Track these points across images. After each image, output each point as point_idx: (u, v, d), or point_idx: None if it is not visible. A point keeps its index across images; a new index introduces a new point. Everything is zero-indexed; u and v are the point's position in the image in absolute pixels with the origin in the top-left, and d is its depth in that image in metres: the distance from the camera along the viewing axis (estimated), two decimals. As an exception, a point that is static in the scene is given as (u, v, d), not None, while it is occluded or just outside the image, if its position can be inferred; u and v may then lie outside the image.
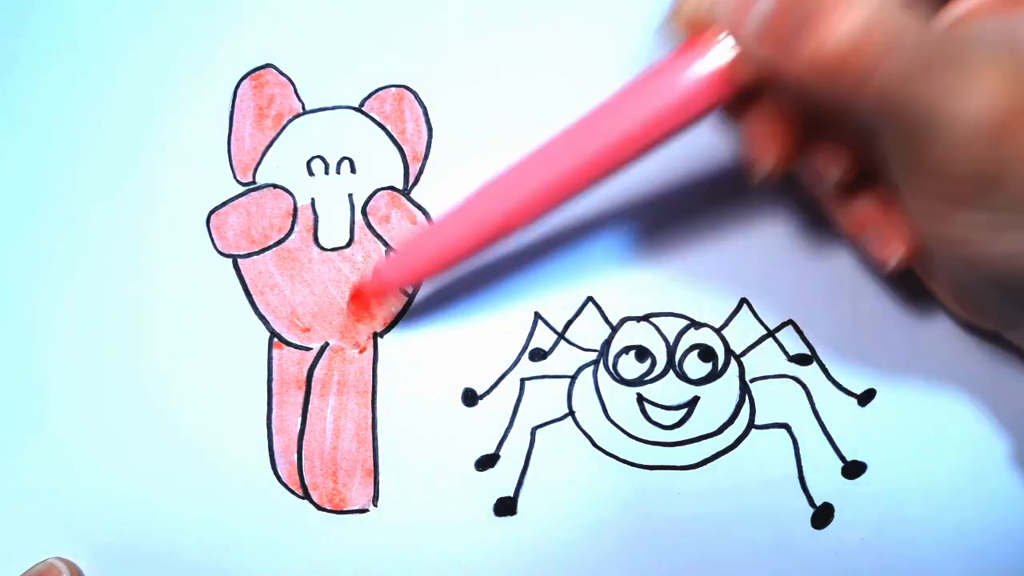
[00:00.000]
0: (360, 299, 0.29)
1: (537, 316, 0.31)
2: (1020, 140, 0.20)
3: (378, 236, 0.32)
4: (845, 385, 0.31)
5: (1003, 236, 0.22)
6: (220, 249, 0.32)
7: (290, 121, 0.33)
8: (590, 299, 0.31)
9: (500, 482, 0.30)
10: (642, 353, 0.31)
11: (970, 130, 0.20)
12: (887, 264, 0.27)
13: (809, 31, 0.20)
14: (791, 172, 0.26)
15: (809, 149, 0.26)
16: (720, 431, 0.30)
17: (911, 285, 0.28)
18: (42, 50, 0.33)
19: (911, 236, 0.26)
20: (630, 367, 0.31)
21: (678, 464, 0.30)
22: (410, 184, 0.32)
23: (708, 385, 0.31)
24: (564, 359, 0.31)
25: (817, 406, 0.30)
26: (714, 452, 0.30)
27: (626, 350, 0.31)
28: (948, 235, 0.23)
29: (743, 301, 0.31)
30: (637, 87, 0.24)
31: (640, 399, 0.30)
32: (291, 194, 0.32)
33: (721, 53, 0.23)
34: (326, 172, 0.32)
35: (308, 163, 0.32)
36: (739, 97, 0.24)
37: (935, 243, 0.24)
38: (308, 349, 0.31)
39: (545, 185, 0.25)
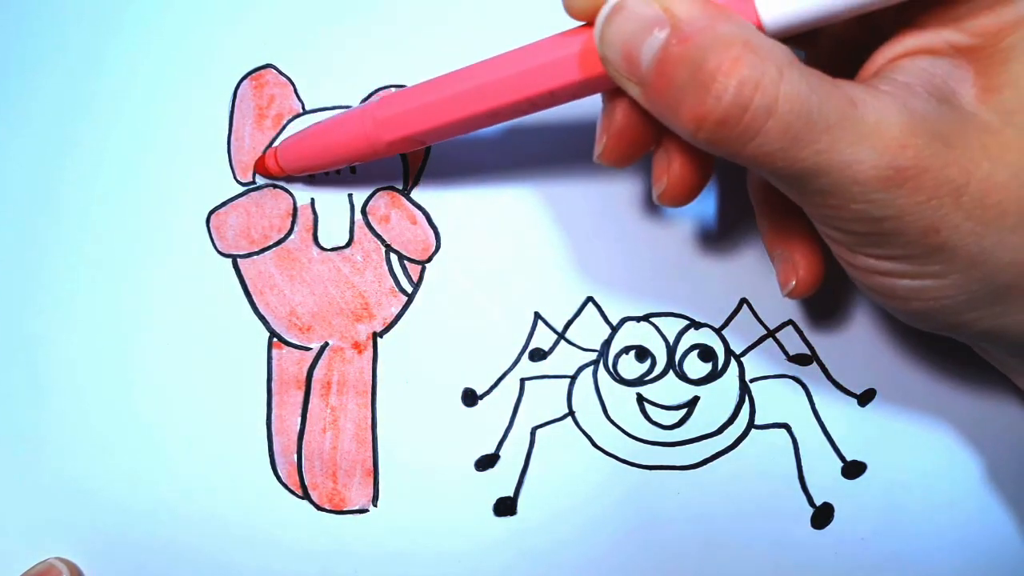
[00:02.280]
0: (261, 166, 0.31)
1: (537, 316, 0.31)
2: (909, 191, 0.20)
3: (378, 236, 0.32)
4: (845, 385, 0.31)
5: (904, 280, 0.22)
6: (220, 249, 0.32)
7: (290, 121, 0.33)
8: (590, 299, 0.31)
9: (500, 482, 0.30)
10: (642, 353, 0.31)
11: (859, 184, 0.20)
12: (782, 291, 0.27)
13: (694, 90, 0.19)
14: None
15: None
16: (720, 431, 0.30)
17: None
18: (42, 50, 0.33)
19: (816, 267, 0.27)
20: (630, 367, 0.31)
21: (678, 464, 0.30)
22: (410, 184, 0.32)
23: (708, 385, 0.31)
24: (564, 359, 0.31)
25: (817, 406, 0.30)
26: (714, 452, 0.30)
27: (626, 350, 0.31)
28: (856, 270, 0.23)
29: (743, 301, 0.31)
30: (533, 53, 0.25)
31: (640, 399, 0.30)
32: (291, 194, 0.32)
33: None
34: (326, 172, 0.32)
35: (308, 163, 0.32)
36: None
37: (848, 272, 0.24)
38: (308, 349, 0.31)
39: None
